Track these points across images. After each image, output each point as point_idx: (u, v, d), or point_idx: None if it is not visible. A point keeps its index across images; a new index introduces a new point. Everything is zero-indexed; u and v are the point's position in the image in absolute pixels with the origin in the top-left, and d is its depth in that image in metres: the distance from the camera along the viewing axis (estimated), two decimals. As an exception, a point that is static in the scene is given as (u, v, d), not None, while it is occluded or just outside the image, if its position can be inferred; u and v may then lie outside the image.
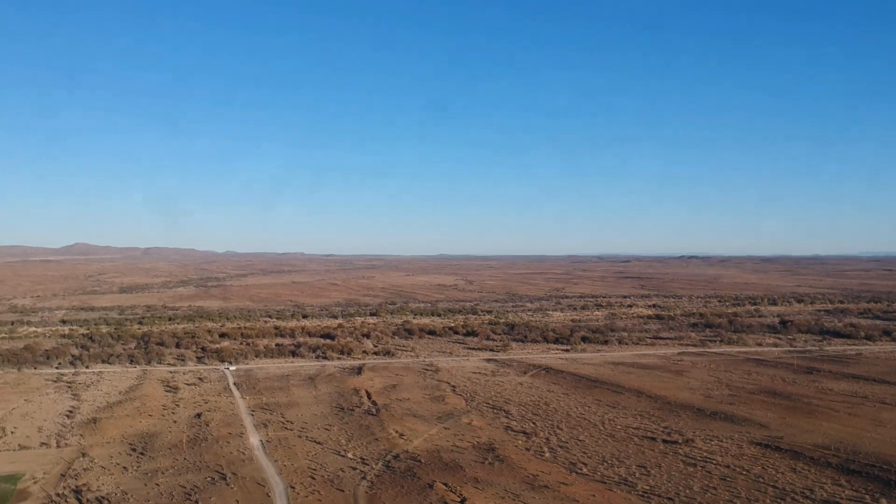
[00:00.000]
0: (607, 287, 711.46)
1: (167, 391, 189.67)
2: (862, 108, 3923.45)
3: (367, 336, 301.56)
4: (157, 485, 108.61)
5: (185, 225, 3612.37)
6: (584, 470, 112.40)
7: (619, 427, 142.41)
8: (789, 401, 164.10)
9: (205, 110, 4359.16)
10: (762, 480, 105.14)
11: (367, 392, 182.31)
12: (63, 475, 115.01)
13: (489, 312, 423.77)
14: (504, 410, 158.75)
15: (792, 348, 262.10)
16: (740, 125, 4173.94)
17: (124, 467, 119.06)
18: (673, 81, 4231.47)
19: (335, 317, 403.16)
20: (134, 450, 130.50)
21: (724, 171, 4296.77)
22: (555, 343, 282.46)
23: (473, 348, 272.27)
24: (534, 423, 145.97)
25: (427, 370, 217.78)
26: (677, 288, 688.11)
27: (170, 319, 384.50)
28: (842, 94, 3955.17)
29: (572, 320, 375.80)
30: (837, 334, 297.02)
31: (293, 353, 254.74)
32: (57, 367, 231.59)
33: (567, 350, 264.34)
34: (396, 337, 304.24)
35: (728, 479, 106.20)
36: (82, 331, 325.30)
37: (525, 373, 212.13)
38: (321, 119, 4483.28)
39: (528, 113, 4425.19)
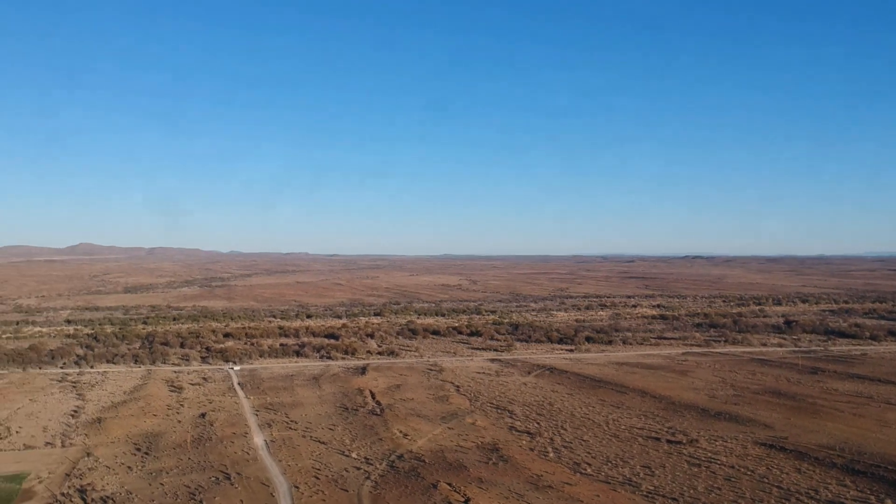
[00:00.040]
0: (611, 287, 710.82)
1: (172, 391, 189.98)
2: (865, 108, 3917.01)
3: (371, 336, 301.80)
4: (162, 484, 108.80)
5: (186, 225, 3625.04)
6: (589, 470, 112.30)
7: (623, 427, 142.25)
8: (794, 401, 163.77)
9: (205, 110, 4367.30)
10: (767, 481, 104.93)
11: (371, 392, 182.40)
12: (68, 475, 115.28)
13: (493, 312, 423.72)
14: (508, 410, 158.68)
15: (797, 348, 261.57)
16: (743, 125, 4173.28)
17: (129, 467, 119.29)
18: (673, 81, 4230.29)
19: (339, 317, 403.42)
20: (138, 449, 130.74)
21: (728, 171, 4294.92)
22: (559, 343, 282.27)
23: (477, 348, 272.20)
24: (538, 424, 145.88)
25: (431, 370, 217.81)
26: (682, 288, 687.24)
27: (174, 319, 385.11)
28: (844, 93, 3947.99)
29: (576, 320, 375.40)
30: (842, 334, 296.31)
31: (297, 353, 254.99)
32: (62, 367, 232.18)
33: (571, 350, 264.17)
34: (400, 337, 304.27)
35: (733, 479, 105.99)
36: (87, 331, 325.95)
37: (529, 373, 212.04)
38: (321, 119, 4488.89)
39: (528, 113, 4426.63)
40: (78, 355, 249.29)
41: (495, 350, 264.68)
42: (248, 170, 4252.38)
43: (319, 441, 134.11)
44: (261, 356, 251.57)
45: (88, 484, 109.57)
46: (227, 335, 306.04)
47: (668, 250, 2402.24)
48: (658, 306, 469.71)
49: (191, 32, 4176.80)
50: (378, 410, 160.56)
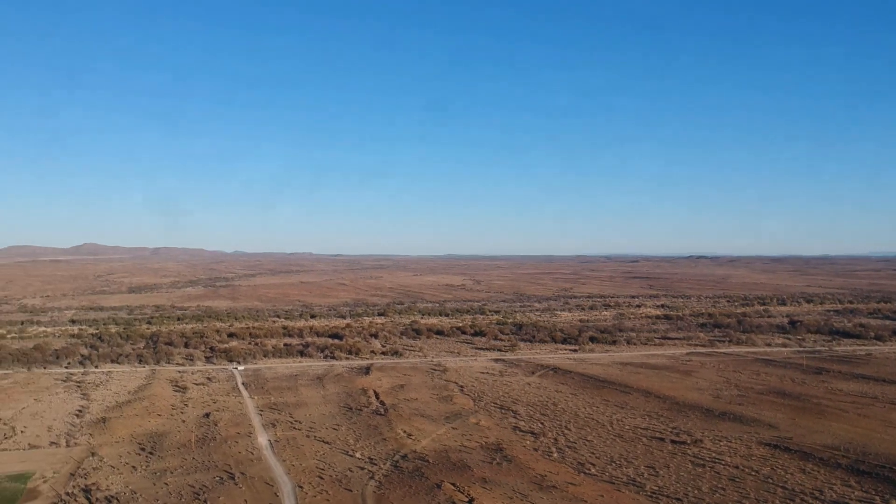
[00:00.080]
0: (615, 287, 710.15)
1: (176, 391, 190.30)
2: (869, 107, 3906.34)
3: (375, 336, 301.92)
4: (166, 484, 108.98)
5: (188, 225, 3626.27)
6: (593, 470, 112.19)
7: (627, 427, 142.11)
8: (799, 401, 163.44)
9: (205, 110, 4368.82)
10: (771, 481, 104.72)
11: (375, 392, 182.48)
12: (72, 474, 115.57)
13: (497, 312, 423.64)
14: (512, 410, 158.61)
15: (801, 349, 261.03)
16: (746, 125, 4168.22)
17: (133, 467, 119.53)
18: (674, 81, 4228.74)
19: (343, 317, 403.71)
20: (143, 449, 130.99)
21: (732, 171, 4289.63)
22: (563, 343, 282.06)
23: (481, 348, 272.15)
24: (542, 424, 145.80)
25: (435, 370, 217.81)
26: (686, 288, 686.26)
27: (178, 319, 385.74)
28: (847, 92, 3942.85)
29: (580, 320, 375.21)
30: (847, 334, 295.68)
31: (301, 353, 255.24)
32: (66, 367, 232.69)
33: (575, 350, 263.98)
34: (404, 337, 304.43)
35: (737, 479, 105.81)
36: (91, 330, 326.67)
37: (533, 373, 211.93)
38: (322, 119, 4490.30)
39: (529, 113, 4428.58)
40: (82, 355, 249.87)
41: (499, 350, 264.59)
42: (249, 170, 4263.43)
43: (323, 441, 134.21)
44: (265, 356, 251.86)
45: (93, 483, 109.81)
46: (231, 335, 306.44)
47: (672, 250, 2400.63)
48: (662, 306, 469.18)
49: (191, 32, 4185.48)
50: (382, 410, 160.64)
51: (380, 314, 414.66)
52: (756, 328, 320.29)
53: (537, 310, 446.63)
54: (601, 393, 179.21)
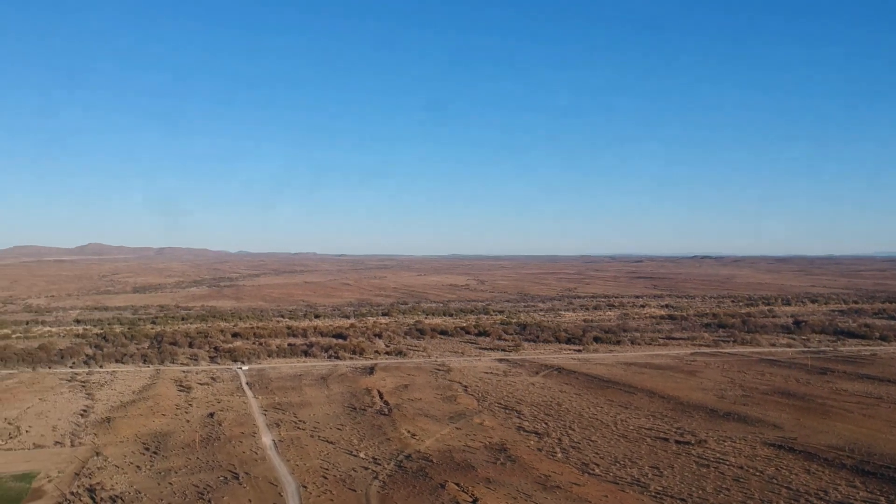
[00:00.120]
0: (620, 287, 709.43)
1: (180, 391, 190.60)
2: (873, 107, 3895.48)
3: (379, 336, 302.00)
4: (171, 484, 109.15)
5: (190, 225, 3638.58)
6: (597, 470, 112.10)
7: (631, 427, 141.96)
8: (803, 401, 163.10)
9: (206, 110, 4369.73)
10: (776, 481, 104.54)
11: (379, 392, 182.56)
12: (77, 474, 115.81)
13: (501, 312, 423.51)
14: (516, 411, 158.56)
15: (806, 349, 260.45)
16: (750, 124, 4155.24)
17: (138, 466, 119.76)
18: (677, 81, 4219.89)
19: (347, 317, 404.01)
20: (147, 449, 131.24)
21: (737, 171, 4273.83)
22: (567, 343, 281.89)
23: (485, 348, 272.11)
24: (546, 424, 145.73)
25: (439, 370, 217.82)
26: (690, 288, 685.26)
27: (183, 319, 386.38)
28: (851, 92, 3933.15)
29: (584, 320, 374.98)
30: (852, 335, 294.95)
31: (305, 353, 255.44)
32: (71, 367, 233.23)
33: (579, 350, 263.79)
34: (408, 337, 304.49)
35: (741, 480, 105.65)
36: (96, 330, 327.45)
37: (537, 373, 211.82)
38: (325, 118, 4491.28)
39: (530, 112, 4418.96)
40: (87, 355, 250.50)
41: (503, 350, 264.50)
42: (250, 169, 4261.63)
43: (327, 441, 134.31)
44: (269, 356, 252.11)
45: (97, 483, 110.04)
46: (235, 335, 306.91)
47: (676, 250, 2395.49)
48: (666, 306, 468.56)
49: (191, 32, 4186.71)
50: (386, 410, 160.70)
51: (384, 314, 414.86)
52: (760, 328, 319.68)
53: (541, 310, 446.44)
54: (605, 393, 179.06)
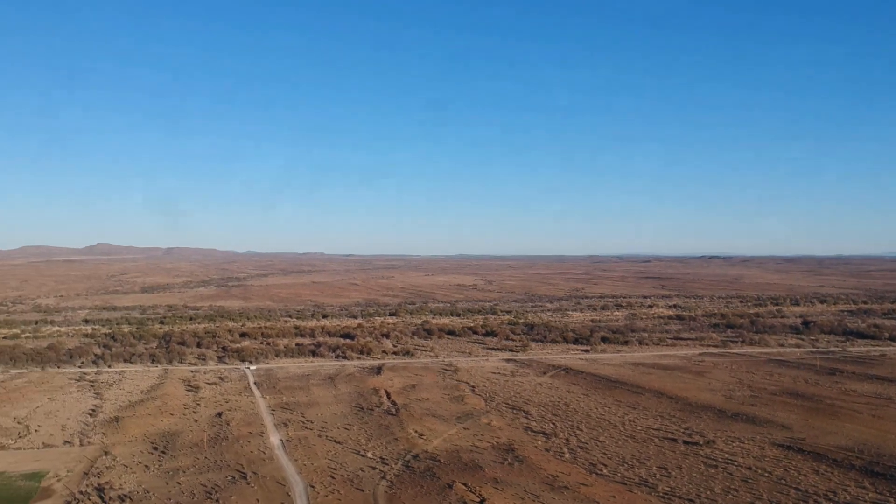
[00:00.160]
0: (627, 287, 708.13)
1: (188, 390, 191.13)
2: (878, 106, 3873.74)
3: (387, 336, 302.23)
4: (179, 483, 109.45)
5: (198, 225, 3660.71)
6: (605, 471, 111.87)
7: (639, 428, 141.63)
8: (812, 402, 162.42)
9: (208, 110, 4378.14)
10: (784, 482, 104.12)
11: (386, 392, 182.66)
12: (86, 473, 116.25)
13: (508, 312, 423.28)
14: (523, 411, 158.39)
15: (815, 349, 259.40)
16: (758, 123, 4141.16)
17: (146, 466, 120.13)
18: (685, 79, 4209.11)
19: (355, 317, 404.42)
20: (156, 448, 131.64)
21: (746, 170, 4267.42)
22: (574, 343, 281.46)
23: (493, 348, 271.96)
24: (553, 424, 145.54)
25: (446, 370, 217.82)
26: (698, 288, 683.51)
27: (191, 319, 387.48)
28: (861, 90, 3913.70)
29: (592, 321, 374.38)
30: (861, 335, 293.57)
31: (313, 353, 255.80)
32: (80, 366, 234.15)
33: (587, 350, 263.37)
34: (416, 337, 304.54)
35: (750, 480, 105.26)
36: (105, 330, 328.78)
37: (544, 373, 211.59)
38: (327, 118, 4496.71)
39: (534, 112, 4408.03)
40: (96, 355, 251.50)
41: (511, 350, 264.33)
42: (255, 169, 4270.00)
43: (335, 440, 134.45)
44: (277, 356, 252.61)
45: (106, 482, 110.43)
46: (243, 335, 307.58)
47: (684, 250, 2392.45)
48: (674, 307, 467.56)
49: (191, 32, 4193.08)
50: (393, 410, 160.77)
51: (391, 314, 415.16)
52: (769, 329, 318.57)
53: (549, 310, 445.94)
54: (613, 393, 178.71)
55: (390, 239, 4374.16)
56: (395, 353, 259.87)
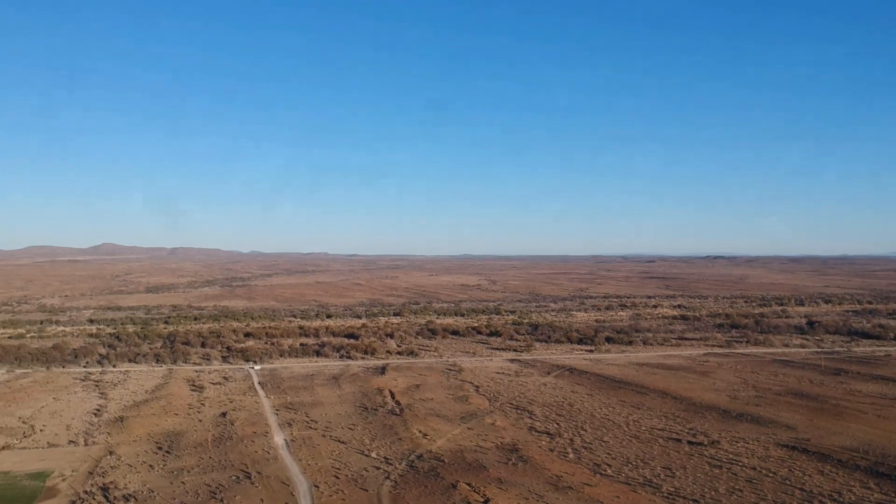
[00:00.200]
0: (632, 287, 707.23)
1: (193, 390, 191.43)
2: (878, 106, 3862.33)
3: (391, 336, 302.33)
4: (183, 483, 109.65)
5: (199, 225, 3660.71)
6: (609, 471, 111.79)
7: (643, 428, 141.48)
8: (817, 402, 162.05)
9: (207, 110, 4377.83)
10: (789, 483, 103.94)
11: (390, 392, 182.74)
12: (91, 473, 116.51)
13: (512, 312, 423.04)
14: (528, 411, 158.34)
15: (819, 349, 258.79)
16: (763, 123, 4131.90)
17: (151, 465, 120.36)
18: (682, 80, 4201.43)
19: (359, 317, 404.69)
20: (160, 448, 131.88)
21: (750, 170, 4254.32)
22: (579, 343, 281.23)
23: (497, 348, 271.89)
24: (557, 424, 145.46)
25: (450, 370, 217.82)
26: (703, 288, 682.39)
27: (195, 319, 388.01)
28: (866, 89, 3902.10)
29: (596, 321, 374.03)
30: (866, 335, 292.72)
31: (317, 353, 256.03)
32: (85, 366, 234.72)
33: (591, 350, 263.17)
34: (420, 337, 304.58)
35: (754, 481, 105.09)
36: (109, 330, 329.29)
37: (549, 373, 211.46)
38: (329, 118, 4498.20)
39: (535, 112, 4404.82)
40: (100, 354, 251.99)
41: (515, 350, 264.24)
42: (253, 169, 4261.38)
43: (339, 440, 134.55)
44: (281, 356, 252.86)
45: (111, 482, 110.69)
46: (247, 335, 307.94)
47: (688, 250, 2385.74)
48: (679, 307, 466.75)
49: (191, 32, 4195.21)
50: (397, 410, 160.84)
51: (395, 314, 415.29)
52: (774, 329, 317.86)
53: (553, 310, 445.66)
54: (617, 393, 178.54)
55: (394, 239, 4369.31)
56: (399, 353, 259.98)
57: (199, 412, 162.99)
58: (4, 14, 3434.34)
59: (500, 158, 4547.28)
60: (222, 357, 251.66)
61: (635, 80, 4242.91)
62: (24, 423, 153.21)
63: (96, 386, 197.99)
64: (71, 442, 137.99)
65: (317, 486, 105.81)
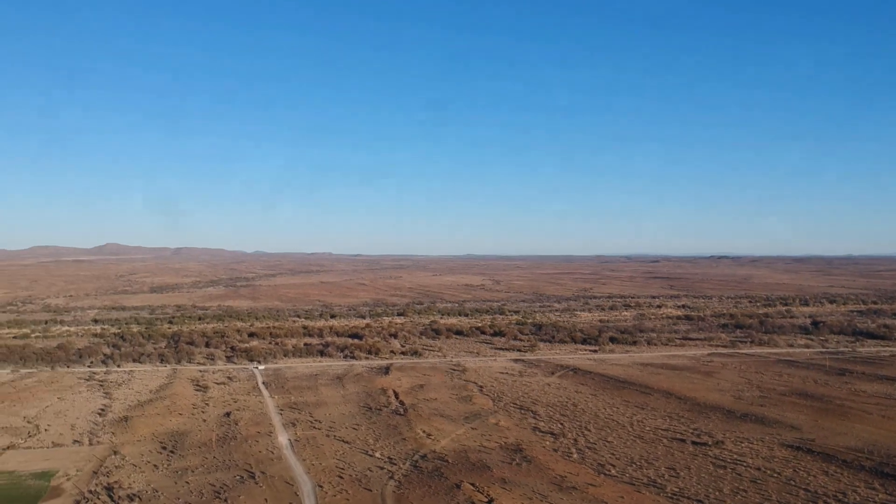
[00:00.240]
0: (636, 287, 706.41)
1: (197, 390, 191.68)
2: (878, 106, 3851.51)
3: (395, 336, 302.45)
4: (187, 483, 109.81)
5: (202, 225, 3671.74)
6: (613, 471, 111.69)
7: (647, 428, 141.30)
8: (821, 403, 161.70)
9: (207, 110, 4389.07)
10: (793, 483, 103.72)
11: (394, 392, 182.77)
12: (95, 472, 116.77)
13: (516, 312, 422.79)
14: (531, 411, 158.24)
15: (824, 349, 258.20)
16: (769, 122, 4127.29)
17: (155, 465, 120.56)
18: (682, 80, 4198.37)
19: (363, 317, 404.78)
20: (164, 448, 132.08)
21: (755, 170, 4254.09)
22: (583, 343, 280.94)
23: (501, 348, 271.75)
24: (561, 424, 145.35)
25: (454, 370, 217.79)
26: (707, 288, 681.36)
27: (199, 319, 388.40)
28: (869, 89, 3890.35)
29: (600, 321, 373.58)
30: (870, 335, 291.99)
31: (321, 353, 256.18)
32: (89, 366, 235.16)
33: (595, 351, 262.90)
34: (424, 337, 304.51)
35: (759, 481, 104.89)
36: (114, 330, 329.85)
37: (553, 373, 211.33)
38: (324, 118, 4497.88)
39: (536, 112, 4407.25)
40: (105, 354, 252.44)
41: (519, 350, 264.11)
42: (254, 169, 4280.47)
43: (343, 440, 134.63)
44: (285, 356, 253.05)
45: (115, 482, 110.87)
46: (251, 335, 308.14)
47: (693, 250, 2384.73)
48: (683, 307, 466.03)
49: (191, 32, 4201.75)
50: (401, 410, 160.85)
51: (399, 314, 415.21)
52: (778, 329, 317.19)
53: (557, 310, 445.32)
54: (621, 394, 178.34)
55: (398, 239, 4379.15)
56: (403, 353, 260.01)
57: (203, 412, 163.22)
58: (4, 14, 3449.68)
59: (501, 158, 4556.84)
60: (226, 357, 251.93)
61: (635, 80, 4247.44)
62: (28, 422, 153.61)
63: (101, 386, 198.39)
64: (75, 441, 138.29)
65: (321, 486, 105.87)
